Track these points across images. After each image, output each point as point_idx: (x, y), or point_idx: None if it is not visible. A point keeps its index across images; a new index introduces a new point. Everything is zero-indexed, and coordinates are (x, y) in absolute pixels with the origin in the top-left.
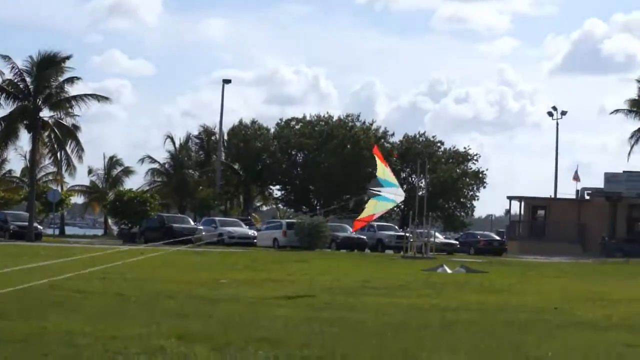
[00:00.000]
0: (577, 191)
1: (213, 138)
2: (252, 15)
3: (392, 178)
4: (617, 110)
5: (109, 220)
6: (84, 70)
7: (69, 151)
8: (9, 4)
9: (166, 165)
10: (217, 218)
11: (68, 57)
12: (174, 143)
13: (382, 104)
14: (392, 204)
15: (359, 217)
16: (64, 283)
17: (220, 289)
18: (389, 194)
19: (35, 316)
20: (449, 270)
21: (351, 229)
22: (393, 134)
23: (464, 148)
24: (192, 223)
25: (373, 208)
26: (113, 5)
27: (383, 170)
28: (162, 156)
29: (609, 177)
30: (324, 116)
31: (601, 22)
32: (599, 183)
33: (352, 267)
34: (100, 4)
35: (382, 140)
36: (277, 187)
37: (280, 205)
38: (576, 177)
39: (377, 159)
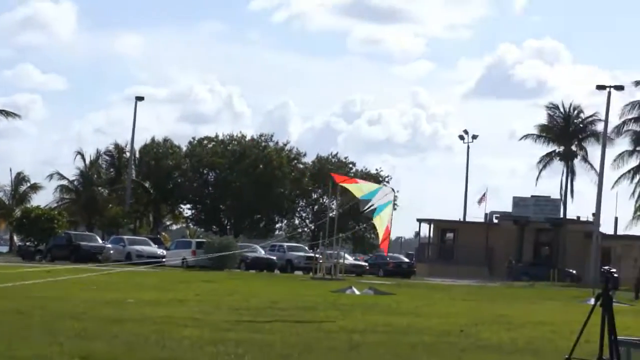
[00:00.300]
0: (486, 215)
1: (124, 155)
2: (167, 32)
3: (369, 187)
4: (526, 136)
5: (15, 238)
6: None
7: None
8: None
9: (75, 182)
10: (125, 237)
11: None
12: (84, 160)
13: (295, 124)
14: (389, 206)
15: (380, 240)
16: None
17: (126, 308)
18: (380, 201)
19: None
20: (357, 292)
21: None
22: (305, 154)
23: (376, 170)
24: (100, 241)
25: (381, 222)
26: (25, 19)
27: (358, 188)
28: (71, 173)
29: (517, 202)
30: (237, 136)
31: (514, 47)
32: (509, 207)
33: (260, 288)
34: (11, 17)
35: (295, 162)
36: (188, 206)
37: (190, 224)
38: (481, 201)
39: (345, 184)
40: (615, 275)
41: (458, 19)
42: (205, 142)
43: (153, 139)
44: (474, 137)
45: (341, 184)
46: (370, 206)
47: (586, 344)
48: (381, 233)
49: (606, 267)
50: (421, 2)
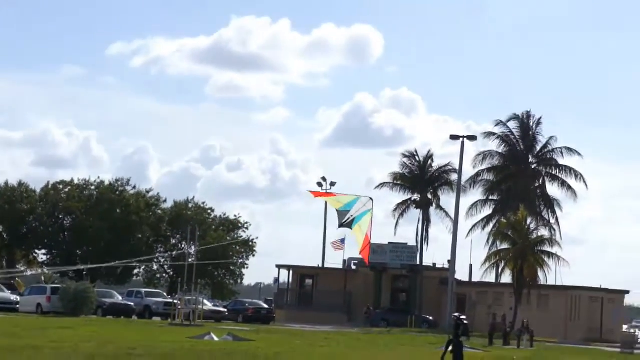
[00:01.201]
0: (344, 261)
1: None
2: (23, 75)
3: (346, 198)
4: (382, 184)
5: None
6: None
7: None
8: None
9: None
10: None
11: None
12: None
13: (155, 169)
14: (368, 215)
15: (359, 249)
16: None
17: None
18: (358, 211)
19: None
20: (216, 338)
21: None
22: (165, 200)
23: (235, 216)
24: None
25: (360, 231)
26: None
27: (336, 200)
28: None
29: (375, 248)
30: (94, 180)
31: (371, 97)
32: None
33: (118, 334)
34: None
35: (154, 207)
36: (43, 251)
37: (45, 269)
38: (335, 245)
39: (323, 198)
40: (466, 321)
41: (316, 67)
42: (61, 186)
43: (7, 183)
44: (332, 184)
45: (319, 197)
46: (349, 217)
47: None
48: (360, 242)
49: (456, 314)
50: (280, 50)
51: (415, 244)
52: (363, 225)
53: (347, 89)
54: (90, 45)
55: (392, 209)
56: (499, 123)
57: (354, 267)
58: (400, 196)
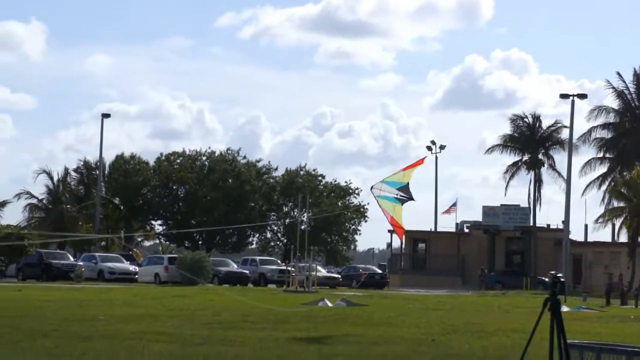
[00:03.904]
0: (457, 224)
1: (94, 173)
2: (135, 50)
3: (399, 177)
4: (493, 146)
5: None
6: None
7: None
8: None
9: (44, 201)
10: (97, 254)
11: None
12: (51, 178)
13: (266, 139)
14: (391, 202)
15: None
16: None
17: (97, 325)
18: (389, 194)
19: None
20: (330, 304)
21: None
22: (277, 169)
23: (345, 182)
24: (72, 259)
25: (386, 208)
26: None
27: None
28: (40, 191)
29: (486, 211)
30: (205, 151)
31: (481, 59)
32: (479, 216)
33: (233, 302)
34: None
35: (266, 176)
36: (159, 222)
37: (162, 240)
38: (448, 211)
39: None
40: (563, 279)
41: (426, 31)
42: (173, 157)
43: (121, 156)
44: (442, 147)
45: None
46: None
47: (536, 347)
48: (387, 217)
49: (552, 272)
50: (389, 16)
51: (527, 206)
52: (385, 206)
53: (457, 51)
54: (199, 17)
55: (503, 171)
56: (612, 79)
57: (466, 230)
58: (511, 158)
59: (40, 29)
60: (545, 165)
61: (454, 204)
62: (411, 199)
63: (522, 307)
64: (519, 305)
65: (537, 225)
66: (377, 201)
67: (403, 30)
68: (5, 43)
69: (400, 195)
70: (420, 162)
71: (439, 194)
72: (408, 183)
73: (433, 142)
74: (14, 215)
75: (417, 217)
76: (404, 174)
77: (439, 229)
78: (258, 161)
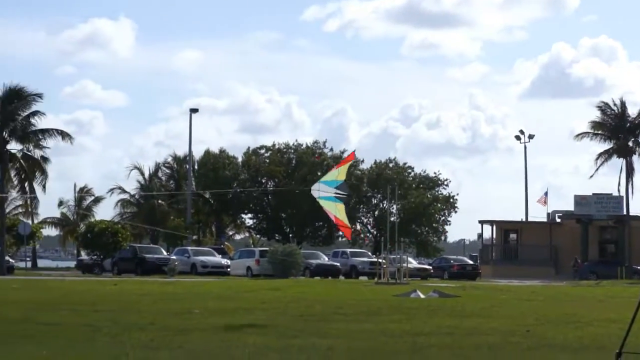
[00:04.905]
0: (548, 214)
1: (184, 167)
2: (222, 45)
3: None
4: (581, 134)
5: (82, 252)
6: (56, 102)
7: (34, 183)
8: None
9: (136, 196)
10: (189, 248)
11: (39, 95)
12: (142, 173)
13: (354, 131)
14: (331, 202)
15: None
16: (35, 315)
17: (192, 318)
18: (326, 193)
19: (2, 350)
20: (421, 295)
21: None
22: (363, 161)
23: (434, 173)
24: (165, 253)
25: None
26: (85, 37)
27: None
28: (132, 187)
29: (579, 200)
30: (293, 144)
31: (569, 47)
32: (571, 206)
33: (325, 294)
34: (72, 36)
35: (352, 168)
36: (249, 215)
37: (253, 233)
38: (541, 200)
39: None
40: None
41: (512, 21)
42: (262, 151)
43: (208, 150)
44: (531, 137)
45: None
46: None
47: (635, 337)
48: (332, 217)
49: None
50: (475, 6)
51: (619, 194)
52: (326, 206)
53: (544, 40)
54: (284, 10)
55: (593, 159)
56: None
57: (558, 220)
58: (601, 146)
59: (129, 26)
60: (637, 153)
61: (546, 194)
62: (348, 195)
63: (619, 297)
64: (615, 295)
65: (631, 214)
66: (319, 202)
67: (489, 20)
68: (95, 40)
69: (338, 194)
70: (351, 157)
71: (529, 184)
72: (345, 180)
73: (521, 132)
74: (107, 211)
75: (506, 207)
76: (337, 171)
77: (530, 219)
78: (342, 152)
